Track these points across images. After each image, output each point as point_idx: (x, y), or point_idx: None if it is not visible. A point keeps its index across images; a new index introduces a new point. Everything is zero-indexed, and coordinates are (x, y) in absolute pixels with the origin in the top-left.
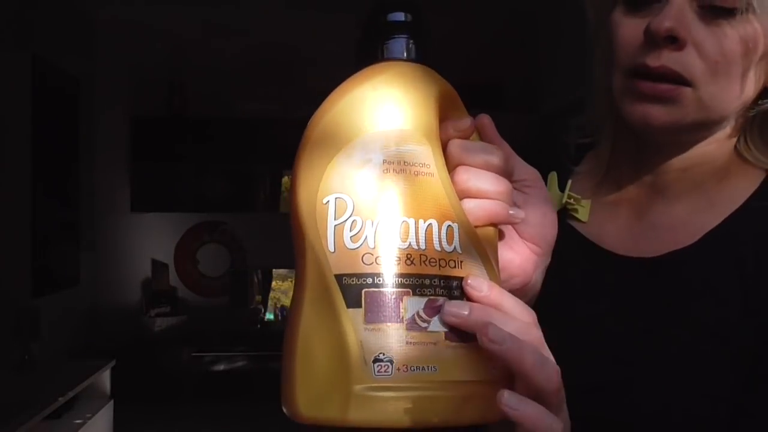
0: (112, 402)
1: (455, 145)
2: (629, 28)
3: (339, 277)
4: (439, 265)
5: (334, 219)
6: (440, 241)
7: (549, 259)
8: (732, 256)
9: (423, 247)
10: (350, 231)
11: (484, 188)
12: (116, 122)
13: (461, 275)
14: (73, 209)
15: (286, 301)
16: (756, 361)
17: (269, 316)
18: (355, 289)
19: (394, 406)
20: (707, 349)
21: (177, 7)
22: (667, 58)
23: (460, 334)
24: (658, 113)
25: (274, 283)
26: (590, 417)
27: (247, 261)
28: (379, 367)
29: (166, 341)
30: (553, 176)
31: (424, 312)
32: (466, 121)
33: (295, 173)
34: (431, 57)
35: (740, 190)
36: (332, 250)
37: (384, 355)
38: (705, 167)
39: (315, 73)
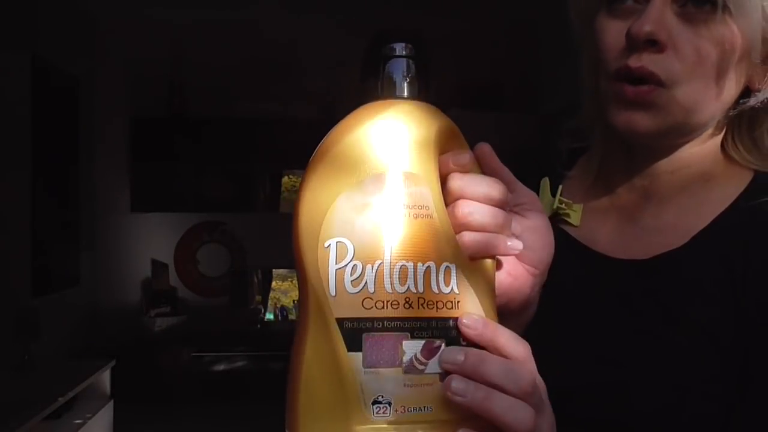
0: (112, 402)
1: (456, 179)
2: (612, 32)
3: (340, 321)
4: (437, 307)
5: (335, 263)
6: (438, 283)
7: (545, 278)
8: (721, 257)
9: (421, 290)
10: (351, 275)
11: (484, 222)
12: (116, 122)
13: (458, 315)
14: (73, 209)
15: (286, 301)
16: (746, 359)
17: (269, 316)
18: (355, 333)
19: None
20: (699, 348)
21: (177, 7)
22: (647, 60)
23: None
24: (641, 119)
25: (274, 283)
26: (585, 418)
27: (247, 261)
28: (378, 408)
29: (166, 341)
30: (545, 182)
31: (422, 354)
32: (466, 156)
33: (297, 215)
34: (435, 65)
35: (728, 190)
36: (333, 294)
37: (383, 397)
38: (692, 169)
39: (315, 74)
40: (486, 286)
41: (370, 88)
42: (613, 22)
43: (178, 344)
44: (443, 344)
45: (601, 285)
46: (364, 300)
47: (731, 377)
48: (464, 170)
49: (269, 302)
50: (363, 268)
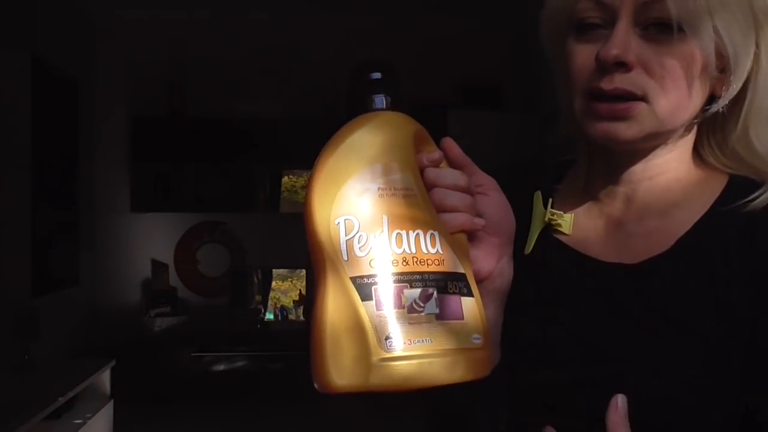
0: (112, 402)
1: (429, 172)
2: (582, 56)
3: (353, 279)
4: (427, 264)
5: (345, 235)
6: (426, 246)
7: (511, 248)
8: (702, 260)
9: (414, 251)
10: (358, 243)
11: (454, 204)
12: (116, 122)
13: (444, 270)
14: (73, 209)
15: (286, 301)
16: (730, 351)
17: (269, 316)
18: (366, 286)
19: (404, 371)
20: (687, 345)
21: (177, 7)
22: (619, 81)
23: (446, 315)
24: (618, 129)
25: (274, 283)
26: (585, 411)
27: (247, 261)
28: (390, 343)
29: (166, 341)
30: (538, 195)
31: (420, 300)
32: (436, 154)
33: (310, 202)
34: (435, 62)
35: (705, 194)
36: (346, 259)
37: (393, 333)
38: (669, 175)
39: (314, 74)
40: (462, 251)
41: (359, 105)
42: (581, 47)
43: (178, 344)
44: (435, 291)
45: (596, 286)
46: (371, 261)
47: (718, 371)
48: (435, 165)
49: (269, 302)
50: (367, 237)
